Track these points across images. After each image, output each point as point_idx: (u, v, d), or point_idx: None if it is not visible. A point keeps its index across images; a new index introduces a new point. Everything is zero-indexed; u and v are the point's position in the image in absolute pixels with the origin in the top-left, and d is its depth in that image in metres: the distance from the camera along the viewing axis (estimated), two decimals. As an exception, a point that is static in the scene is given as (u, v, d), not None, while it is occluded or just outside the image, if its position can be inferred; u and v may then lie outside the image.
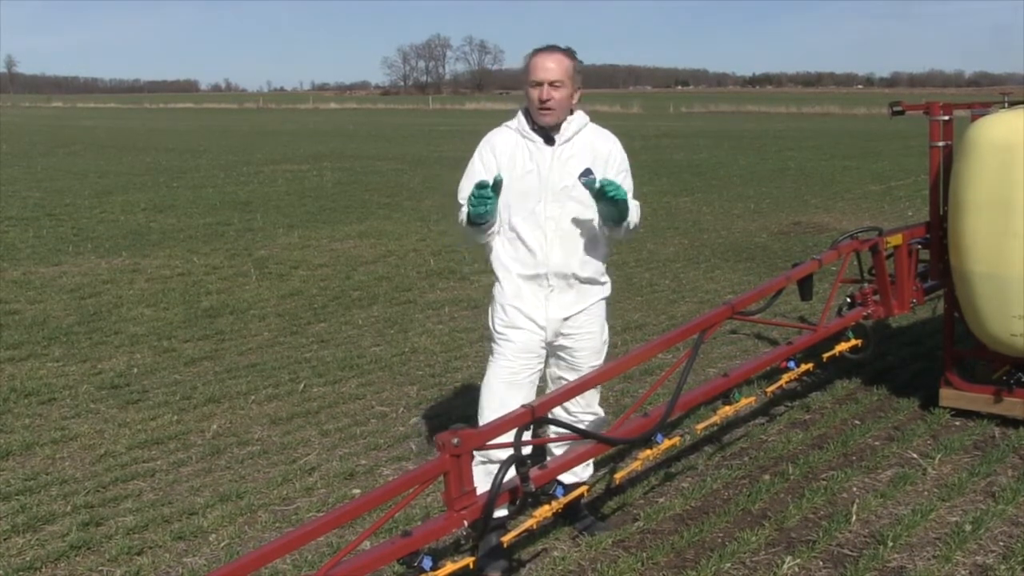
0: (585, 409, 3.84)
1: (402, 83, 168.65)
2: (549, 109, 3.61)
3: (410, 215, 13.82)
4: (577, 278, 3.71)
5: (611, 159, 3.72)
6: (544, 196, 3.65)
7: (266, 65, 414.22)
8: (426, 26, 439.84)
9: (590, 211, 3.67)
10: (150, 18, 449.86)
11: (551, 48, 3.67)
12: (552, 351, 3.81)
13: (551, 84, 3.59)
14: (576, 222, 3.69)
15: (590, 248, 3.73)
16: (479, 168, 3.70)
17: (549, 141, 3.67)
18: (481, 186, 3.47)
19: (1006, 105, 5.15)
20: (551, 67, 3.60)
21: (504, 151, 3.68)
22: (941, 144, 5.13)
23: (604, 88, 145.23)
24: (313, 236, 11.96)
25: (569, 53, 3.67)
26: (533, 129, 3.68)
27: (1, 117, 57.15)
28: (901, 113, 5.59)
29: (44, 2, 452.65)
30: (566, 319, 3.73)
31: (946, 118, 5.13)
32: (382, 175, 19.96)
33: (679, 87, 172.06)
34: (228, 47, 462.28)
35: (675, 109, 64.80)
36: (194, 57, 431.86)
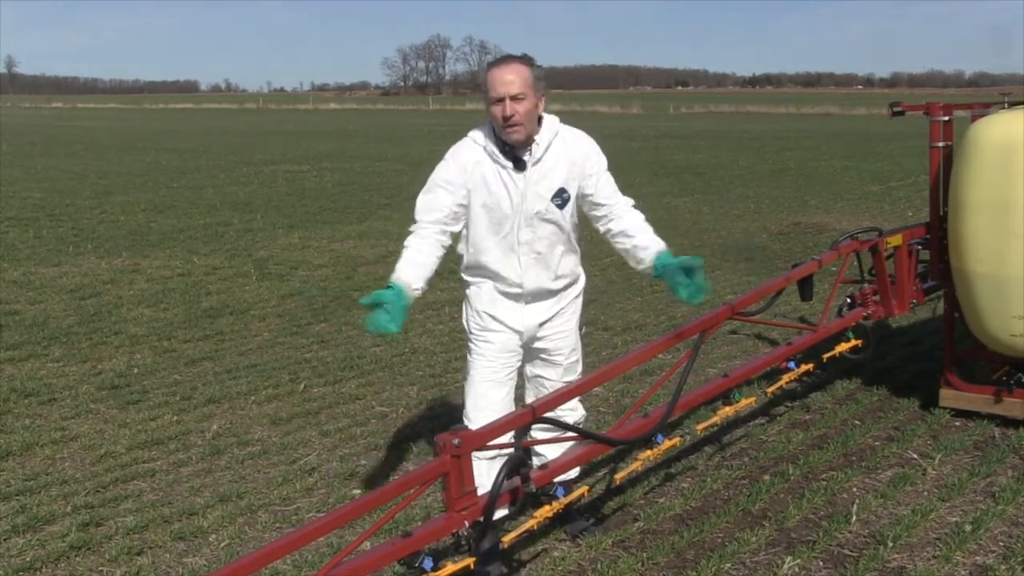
0: (563, 406, 3.75)
1: (402, 83, 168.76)
2: (515, 125, 3.41)
3: (410, 216, 13.75)
4: (552, 292, 3.69)
5: (587, 163, 3.61)
6: (517, 223, 3.54)
7: (266, 65, 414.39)
8: (426, 26, 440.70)
9: (563, 230, 3.63)
10: (150, 18, 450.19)
11: (507, 59, 3.48)
12: (529, 351, 3.79)
13: (513, 98, 3.39)
14: (550, 244, 3.61)
15: (564, 263, 3.68)
16: (442, 188, 3.52)
17: (519, 165, 3.50)
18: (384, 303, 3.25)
19: (1006, 105, 5.16)
20: (510, 79, 3.39)
21: (474, 172, 3.51)
22: (941, 144, 5.13)
23: (604, 88, 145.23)
24: (313, 236, 11.97)
25: (526, 60, 3.48)
26: (502, 151, 3.50)
27: (1, 117, 57.14)
28: (901, 114, 5.59)
29: (44, 2, 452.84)
30: (542, 323, 3.71)
31: (946, 118, 5.13)
32: (382, 175, 19.97)
33: (679, 87, 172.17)
34: (228, 47, 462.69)
35: (675, 109, 64.84)
36: (194, 57, 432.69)
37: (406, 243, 3.56)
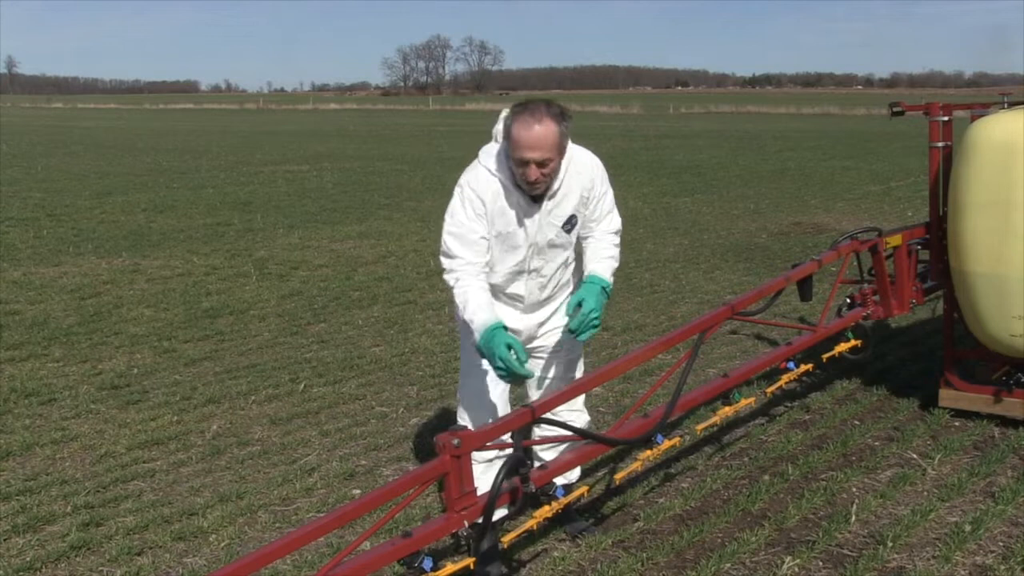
0: (569, 408, 3.75)
1: (402, 84, 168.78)
2: (538, 186, 3.36)
3: (410, 215, 13.82)
4: (550, 299, 3.72)
5: (594, 187, 3.56)
6: (529, 251, 3.54)
7: (266, 65, 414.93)
8: (426, 26, 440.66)
9: (569, 248, 3.64)
10: (150, 18, 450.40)
11: (535, 112, 3.26)
12: (529, 351, 3.77)
13: (539, 164, 3.28)
14: (556, 266, 3.63)
15: (564, 275, 3.72)
16: (471, 219, 3.40)
17: (536, 198, 3.44)
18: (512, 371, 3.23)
19: (1005, 105, 5.16)
20: (537, 144, 3.24)
21: (491, 202, 3.41)
22: (941, 145, 5.13)
23: (604, 88, 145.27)
24: (313, 236, 11.97)
25: (555, 116, 3.28)
26: (518, 185, 3.40)
27: (1, 117, 57.14)
28: (901, 114, 5.59)
29: (44, 2, 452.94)
30: (540, 323, 3.73)
31: (946, 119, 5.14)
32: (382, 175, 19.97)
33: (679, 88, 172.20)
34: (228, 47, 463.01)
35: (675, 110, 64.80)
36: (194, 57, 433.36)
37: (458, 284, 3.39)
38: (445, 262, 3.45)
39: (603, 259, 3.61)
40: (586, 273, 3.61)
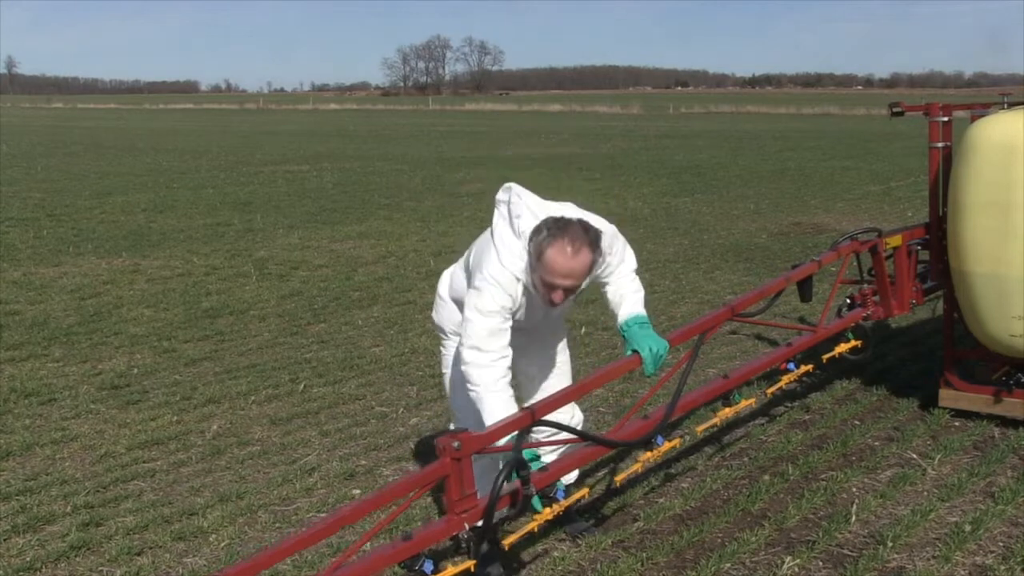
0: (561, 410, 3.70)
1: (402, 84, 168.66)
2: (561, 304, 3.41)
3: (410, 216, 13.82)
4: None
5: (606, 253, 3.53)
6: (536, 325, 3.63)
7: (266, 65, 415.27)
8: (426, 27, 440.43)
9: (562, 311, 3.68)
10: (150, 18, 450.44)
11: (574, 242, 3.23)
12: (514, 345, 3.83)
13: (567, 290, 3.32)
14: (551, 323, 3.73)
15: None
16: (505, 318, 3.37)
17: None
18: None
19: (1005, 106, 5.16)
20: (571, 274, 3.27)
21: (519, 300, 3.43)
22: (940, 145, 5.14)
23: (604, 88, 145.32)
24: (313, 237, 11.97)
25: (591, 243, 3.28)
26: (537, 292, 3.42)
27: (1, 118, 57.12)
28: (901, 114, 5.60)
29: (44, 2, 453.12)
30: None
31: (945, 119, 5.14)
32: (382, 175, 19.96)
33: (679, 88, 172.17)
34: (228, 47, 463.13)
35: (675, 110, 64.75)
36: (194, 57, 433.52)
37: (484, 390, 3.32)
38: (475, 356, 3.34)
39: (630, 295, 3.60)
40: (620, 319, 3.59)
